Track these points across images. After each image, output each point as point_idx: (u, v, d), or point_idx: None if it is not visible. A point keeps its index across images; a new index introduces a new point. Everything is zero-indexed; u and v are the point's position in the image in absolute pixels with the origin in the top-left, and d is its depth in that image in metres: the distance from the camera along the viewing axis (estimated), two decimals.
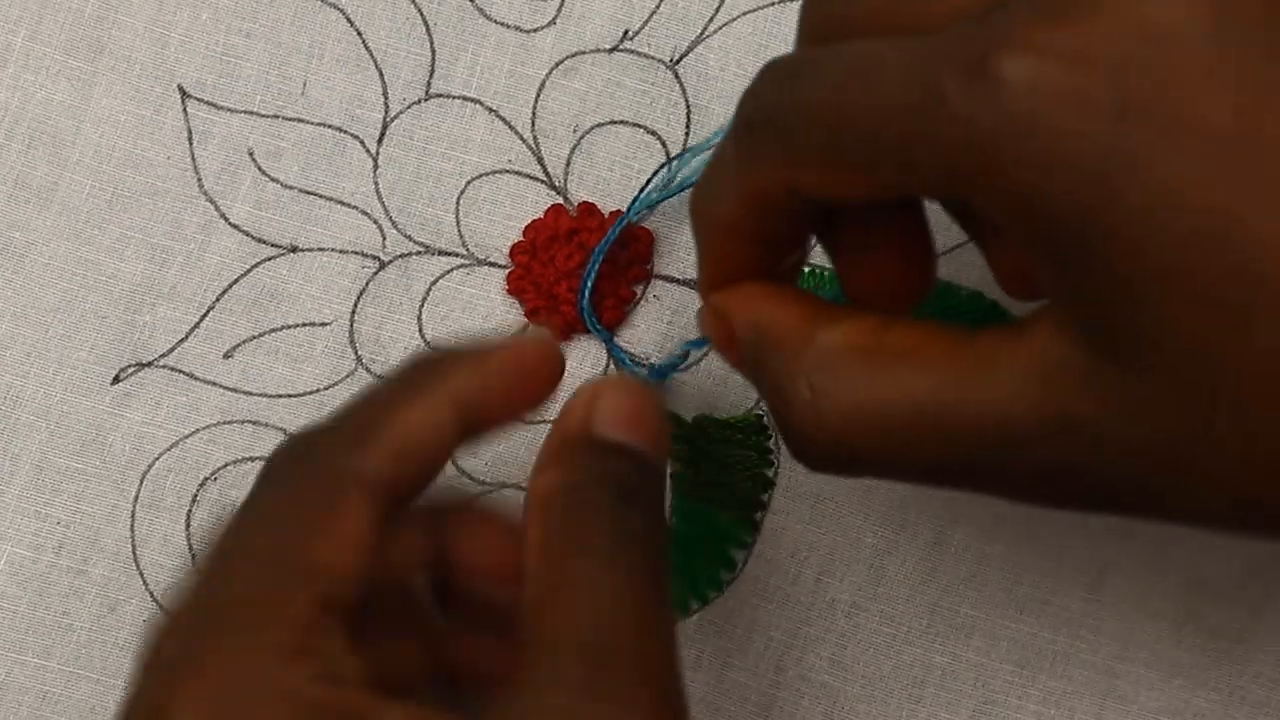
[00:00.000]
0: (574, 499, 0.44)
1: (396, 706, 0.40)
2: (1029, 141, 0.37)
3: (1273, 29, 0.37)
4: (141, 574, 0.53)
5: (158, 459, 0.54)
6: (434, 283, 0.54)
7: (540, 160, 0.54)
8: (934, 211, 0.48)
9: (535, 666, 0.40)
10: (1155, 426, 0.38)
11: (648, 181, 0.53)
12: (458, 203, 0.54)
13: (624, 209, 0.54)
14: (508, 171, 0.54)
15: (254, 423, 0.54)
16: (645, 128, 0.54)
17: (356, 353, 0.54)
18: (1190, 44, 0.37)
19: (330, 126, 0.54)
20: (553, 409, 0.53)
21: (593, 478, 0.44)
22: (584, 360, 0.54)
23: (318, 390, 0.54)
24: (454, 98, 0.54)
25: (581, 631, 0.41)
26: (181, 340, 0.54)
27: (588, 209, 0.53)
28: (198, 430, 0.54)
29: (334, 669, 0.40)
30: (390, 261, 0.54)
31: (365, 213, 0.54)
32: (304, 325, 0.54)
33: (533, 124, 0.54)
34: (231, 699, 0.40)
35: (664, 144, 0.54)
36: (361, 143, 0.54)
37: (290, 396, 0.54)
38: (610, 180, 0.54)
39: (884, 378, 0.42)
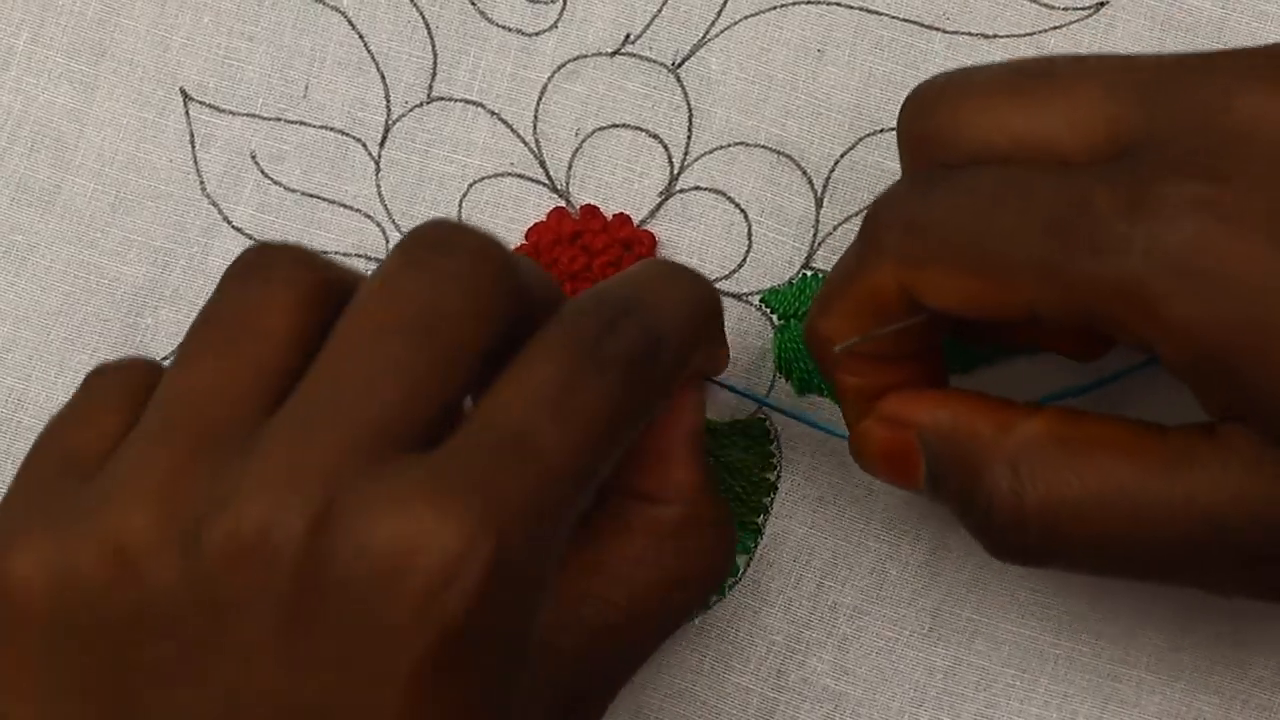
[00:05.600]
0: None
1: None
2: (1190, 281, 0.40)
3: None
4: None
5: None
6: None
7: (542, 163, 0.54)
8: None
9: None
10: None
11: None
12: (460, 206, 0.54)
13: (626, 212, 0.54)
14: (510, 175, 0.54)
15: None
16: (647, 131, 0.54)
17: None
18: None
19: (332, 129, 0.54)
20: None
21: None
22: None
23: None
24: (456, 101, 0.54)
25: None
26: None
27: (590, 211, 0.53)
28: None
29: None
30: None
31: (368, 216, 0.54)
32: None
33: (535, 127, 0.54)
34: None
35: (666, 147, 0.54)
36: (364, 146, 0.54)
37: None
38: (612, 183, 0.54)
39: (1089, 465, 0.43)
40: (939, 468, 0.45)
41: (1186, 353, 0.41)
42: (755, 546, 0.53)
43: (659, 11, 0.54)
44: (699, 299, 0.45)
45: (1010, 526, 0.44)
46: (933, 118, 0.45)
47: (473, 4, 0.54)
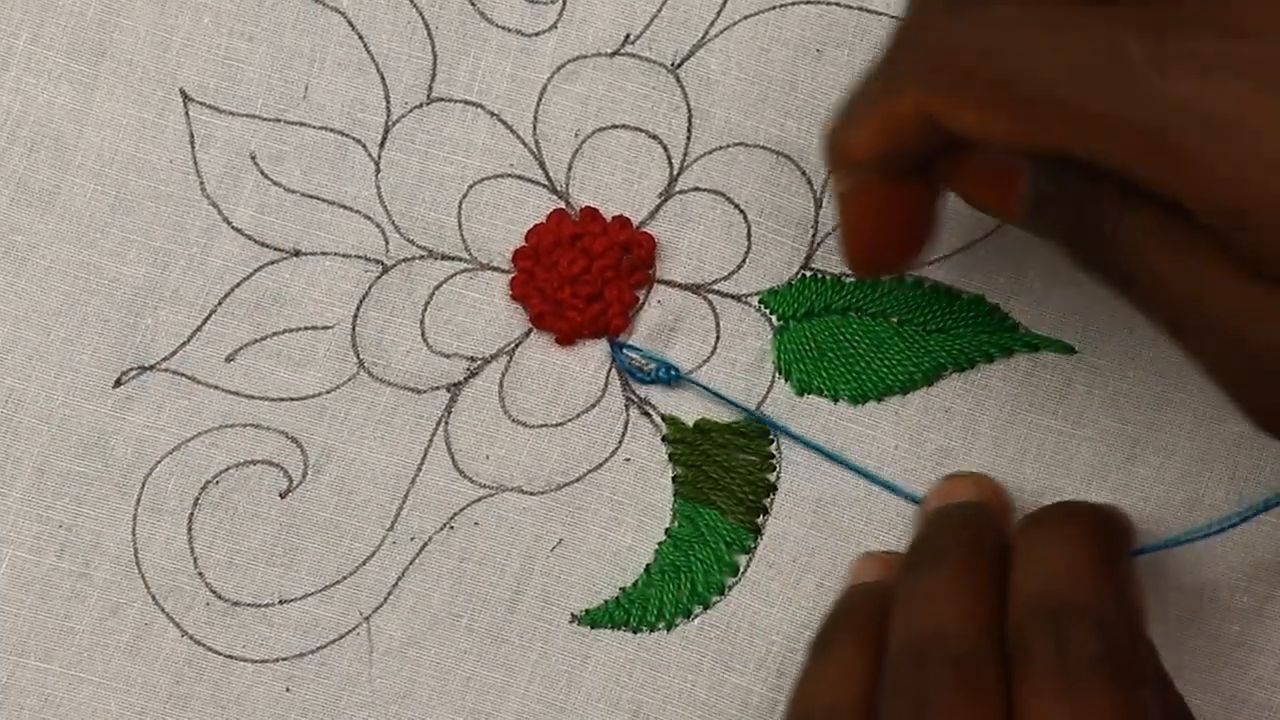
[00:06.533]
0: None
1: None
2: (1218, 136, 0.40)
3: None
4: (143, 577, 0.54)
5: (159, 462, 0.54)
6: (437, 287, 0.54)
7: (542, 164, 0.54)
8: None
9: None
10: None
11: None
12: (460, 207, 0.54)
13: (626, 213, 0.54)
14: (510, 176, 0.54)
15: (256, 426, 0.54)
16: (647, 132, 0.54)
17: (358, 356, 0.54)
18: None
19: (332, 130, 0.54)
20: (550, 412, 0.53)
21: None
22: (586, 364, 0.54)
23: (319, 394, 0.54)
24: (456, 102, 0.54)
25: None
26: (183, 344, 0.54)
27: (590, 214, 0.54)
28: (200, 434, 0.54)
29: None
30: (393, 266, 0.54)
31: (368, 217, 0.54)
32: (306, 329, 0.54)
33: (534, 128, 0.54)
34: None
35: (665, 148, 0.54)
36: (364, 146, 0.54)
37: (292, 400, 0.54)
38: (612, 185, 0.54)
39: None
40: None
41: (1214, 207, 0.41)
42: (755, 547, 0.53)
43: (658, 12, 0.54)
44: (1101, 549, 0.47)
45: None
46: None
47: (472, 4, 0.54)
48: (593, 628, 0.53)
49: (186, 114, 0.54)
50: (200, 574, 0.54)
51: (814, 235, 0.54)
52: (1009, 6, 0.43)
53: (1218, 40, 0.40)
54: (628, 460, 0.54)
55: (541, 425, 0.53)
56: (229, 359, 0.54)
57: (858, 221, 0.47)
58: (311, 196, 0.54)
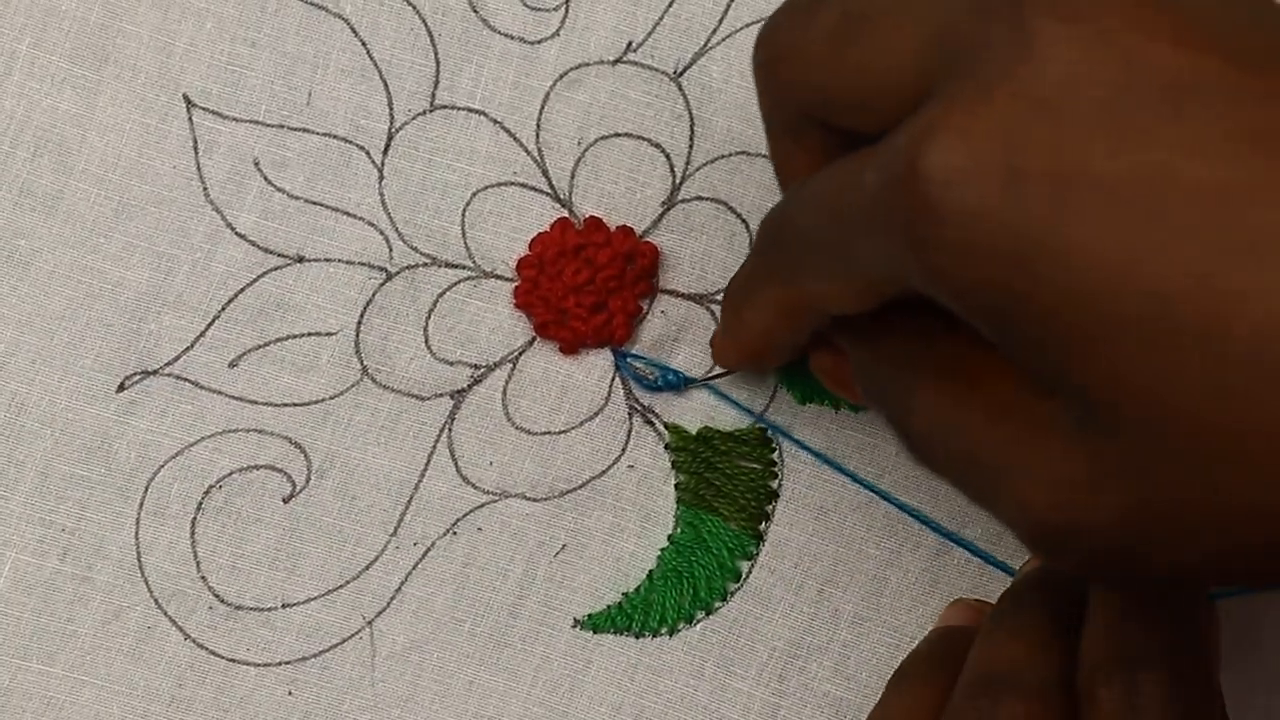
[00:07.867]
0: None
1: None
2: (943, 228, 0.38)
3: (1172, 89, 0.37)
4: (146, 581, 0.54)
5: (162, 467, 0.54)
6: (441, 295, 0.54)
7: (545, 173, 0.54)
8: None
9: None
10: (1128, 489, 0.38)
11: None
12: (463, 215, 0.54)
13: (628, 222, 0.54)
14: (513, 184, 0.54)
15: (259, 431, 0.54)
16: (649, 140, 0.54)
17: (362, 363, 0.54)
18: (1078, 109, 0.37)
19: (336, 137, 0.54)
20: (554, 419, 0.53)
21: None
22: (590, 373, 0.54)
23: (322, 400, 0.54)
24: (459, 109, 0.54)
25: None
26: (187, 349, 0.54)
27: (595, 224, 0.54)
28: (203, 438, 0.54)
29: None
30: (397, 273, 0.54)
31: (371, 224, 0.54)
32: (309, 335, 0.54)
33: (537, 136, 0.54)
34: None
35: (668, 156, 0.54)
36: (367, 153, 0.54)
37: (295, 405, 0.54)
38: (615, 194, 0.54)
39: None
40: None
41: (959, 302, 0.39)
42: (757, 553, 0.54)
43: (660, 19, 0.54)
44: (1176, 595, 0.46)
45: None
46: (775, 66, 0.45)
47: (475, 11, 0.54)
48: (595, 633, 0.54)
49: (190, 119, 0.54)
50: (203, 578, 0.54)
51: None
52: (808, 190, 0.44)
53: (944, 155, 0.39)
54: (631, 467, 0.54)
55: (545, 432, 0.54)
56: (232, 364, 0.54)
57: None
58: (315, 203, 0.54)
